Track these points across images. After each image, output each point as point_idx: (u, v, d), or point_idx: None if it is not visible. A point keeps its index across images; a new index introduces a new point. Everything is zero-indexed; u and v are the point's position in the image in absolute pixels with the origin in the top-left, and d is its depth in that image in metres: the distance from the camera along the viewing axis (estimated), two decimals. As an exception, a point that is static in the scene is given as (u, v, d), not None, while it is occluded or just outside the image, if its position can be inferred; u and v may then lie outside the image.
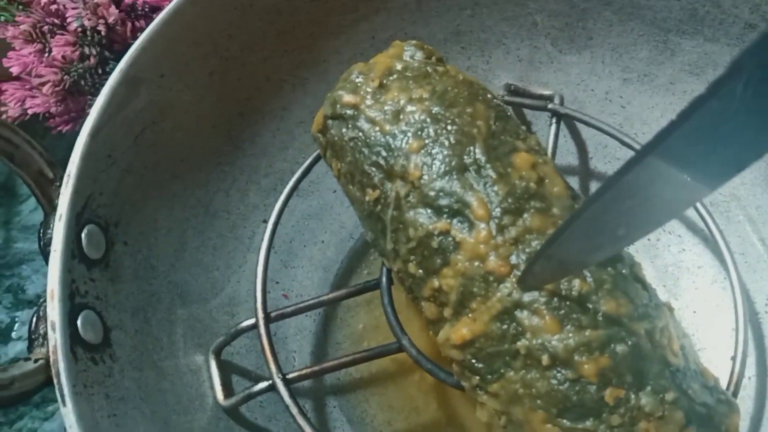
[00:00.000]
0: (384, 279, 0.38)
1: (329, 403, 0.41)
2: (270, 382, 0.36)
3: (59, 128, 0.51)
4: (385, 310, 0.37)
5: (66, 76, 0.52)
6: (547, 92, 0.46)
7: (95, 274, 0.34)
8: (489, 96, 0.36)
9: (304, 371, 0.36)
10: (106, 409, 0.31)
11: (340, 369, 0.38)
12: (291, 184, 0.41)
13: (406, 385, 0.43)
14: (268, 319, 0.37)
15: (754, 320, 0.40)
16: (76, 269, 0.33)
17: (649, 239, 0.45)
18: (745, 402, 0.38)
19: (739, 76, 0.17)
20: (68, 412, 0.29)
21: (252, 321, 0.37)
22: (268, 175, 0.45)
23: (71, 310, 0.32)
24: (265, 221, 0.40)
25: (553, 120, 0.44)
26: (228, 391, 0.38)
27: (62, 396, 0.30)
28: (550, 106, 0.44)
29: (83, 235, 0.34)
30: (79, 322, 0.32)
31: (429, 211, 0.33)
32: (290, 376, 0.36)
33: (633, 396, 0.29)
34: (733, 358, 0.36)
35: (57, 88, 0.52)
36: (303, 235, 0.46)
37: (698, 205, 0.40)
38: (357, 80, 0.36)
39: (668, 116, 0.36)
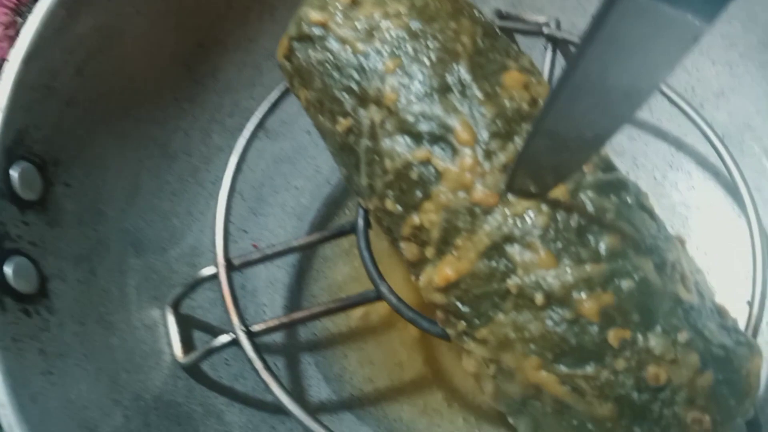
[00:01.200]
0: (360, 221, 0.34)
1: (304, 360, 0.38)
2: (233, 335, 0.32)
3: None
4: (361, 255, 0.33)
5: (18, 18, 0.47)
6: (541, 18, 0.42)
7: (29, 217, 0.30)
8: (475, 12, 0.32)
9: (270, 323, 0.32)
10: (40, 366, 0.28)
11: (312, 320, 0.34)
12: (256, 119, 0.37)
13: (388, 339, 0.39)
14: (231, 267, 0.33)
15: (772, 260, 0.36)
16: (5, 210, 0.29)
17: (654, 177, 0.41)
18: (763, 349, 0.34)
19: None
20: (-8, 368, 0.26)
21: (213, 269, 0.33)
22: (234, 114, 0.40)
23: (-2, 254, 0.28)
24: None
25: (549, 46, 0.40)
26: (188, 347, 0.34)
27: (-16, 350, 0.26)
28: (545, 31, 0.40)
29: (14, 172, 0.30)
30: (7, 269, 0.28)
31: (407, 138, 0.29)
32: (255, 328, 0.32)
33: (640, 337, 0.25)
34: (750, 302, 0.33)
35: (8, 31, 0.48)
36: (274, 180, 0.42)
37: (711, 135, 0.36)
38: (326, -5, 0.31)
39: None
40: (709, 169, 0.40)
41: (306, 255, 0.41)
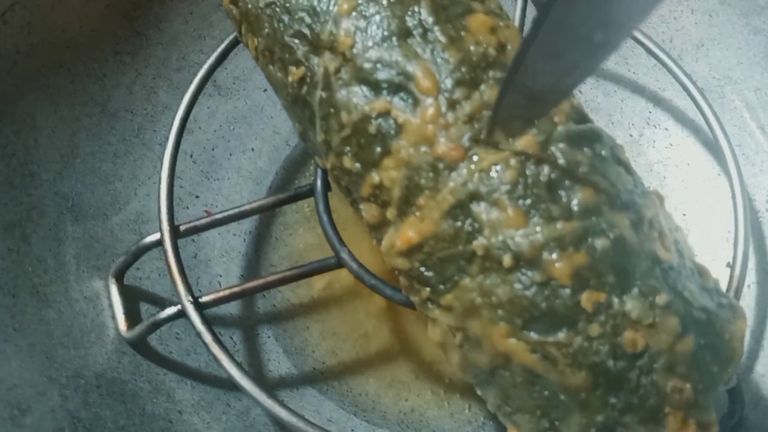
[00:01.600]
0: (319, 182, 0.32)
1: (262, 333, 0.35)
2: (179, 306, 0.29)
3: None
4: (320, 218, 0.31)
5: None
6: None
7: (-52, 179, 0.27)
8: (437, -49, 0.29)
9: (221, 293, 0.30)
10: (-39, 342, 0.25)
11: (268, 289, 0.31)
12: (203, 72, 0.34)
13: (352, 310, 0.37)
14: (176, 233, 0.31)
15: (753, 220, 0.34)
16: None
17: (631, 135, 0.39)
18: (746, 312, 0.32)
19: None
20: None
21: (158, 236, 0.31)
22: (181, 69, 0.37)
23: None
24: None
25: (519, -6, 0.37)
26: (134, 321, 0.31)
27: None
28: (515, -23, 0.37)
29: (-73, 129, 0.27)
30: None
31: (365, 88, 0.26)
32: (204, 299, 0.29)
33: (616, 300, 0.23)
34: (731, 265, 0.31)
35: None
36: (228, 141, 0.39)
37: (691, 87, 0.34)
38: (271, -73, 0.28)
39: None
40: (689, 125, 0.38)
41: (264, 222, 0.38)
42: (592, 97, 0.39)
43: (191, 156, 0.37)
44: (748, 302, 0.33)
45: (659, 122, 0.38)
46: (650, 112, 0.39)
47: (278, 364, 0.34)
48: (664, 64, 0.35)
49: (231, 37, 0.34)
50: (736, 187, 0.32)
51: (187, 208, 0.36)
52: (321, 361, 0.35)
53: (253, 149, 0.39)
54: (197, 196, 0.37)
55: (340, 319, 0.36)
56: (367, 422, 0.33)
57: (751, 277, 0.34)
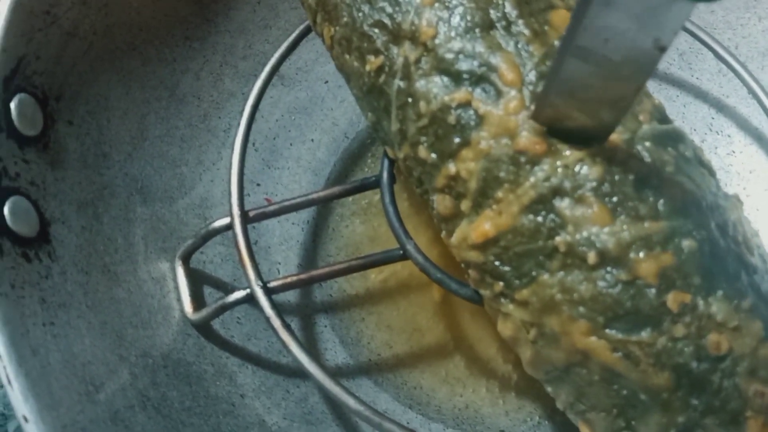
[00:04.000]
0: (385, 174, 0.31)
1: (319, 323, 0.35)
2: (248, 290, 0.29)
3: None
4: (385, 210, 0.31)
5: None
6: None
7: (30, 155, 0.28)
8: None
9: (288, 279, 0.30)
10: (41, 316, 0.25)
11: (333, 278, 0.32)
12: (273, 61, 0.34)
13: (407, 304, 0.37)
14: (246, 219, 0.31)
15: (818, 230, 0.34)
16: (2, 145, 0.26)
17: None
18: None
19: None
20: (-12, 316, 0.23)
21: (227, 220, 0.31)
22: (247, 57, 0.38)
23: (-5, 193, 0.25)
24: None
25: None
26: (198, 304, 0.32)
27: (-20, 296, 0.23)
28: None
29: (13, 104, 0.27)
30: (6, 209, 0.26)
31: (445, 78, 0.26)
32: (272, 284, 0.29)
33: (702, 302, 0.23)
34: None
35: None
36: (289, 131, 0.39)
37: (760, 93, 0.34)
38: None
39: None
40: (752, 133, 0.38)
41: (321, 213, 0.38)
42: (654, 101, 0.39)
43: (253, 144, 0.37)
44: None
45: (722, 129, 0.38)
46: (713, 119, 0.38)
47: (335, 353, 0.35)
48: (732, 69, 0.34)
49: (301, 27, 0.34)
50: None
51: (248, 195, 0.36)
52: (376, 353, 0.35)
53: (312, 140, 0.39)
54: (258, 184, 0.37)
55: (395, 313, 0.36)
56: (423, 416, 0.33)
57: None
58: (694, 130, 0.38)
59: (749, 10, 0.38)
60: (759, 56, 0.38)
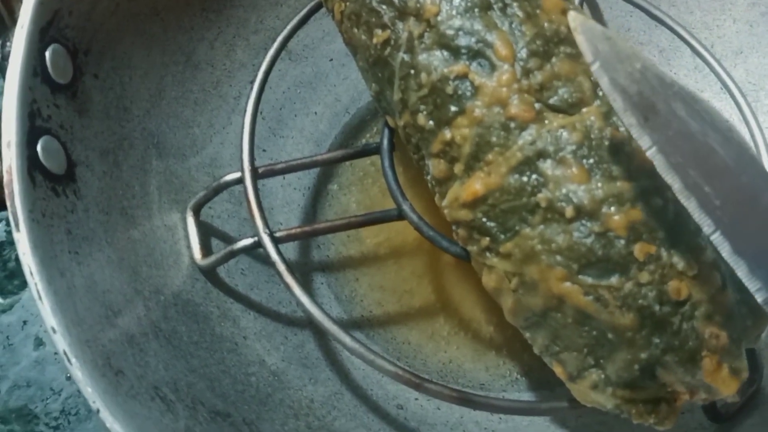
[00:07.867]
0: (386, 141, 0.34)
1: (316, 280, 0.38)
2: (255, 238, 0.32)
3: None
4: (384, 174, 0.34)
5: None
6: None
7: (60, 101, 0.30)
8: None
9: (293, 231, 0.32)
10: (67, 244, 0.27)
11: (334, 232, 0.34)
12: (282, 36, 0.36)
13: (398, 268, 0.39)
14: (255, 174, 0.33)
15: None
16: (38, 88, 0.29)
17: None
18: None
19: None
20: (22, 238, 0.25)
21: (237, 174, 0.33)
22: (258, 31, 0.40)
23: (30, 131, 0.28)
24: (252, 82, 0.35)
25: (577, -9, 0.40)
26: (206, 252, 0.34)
27: (16, 220, 0.26)
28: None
29: (48, 53, 0.29)
30: (39, 147, 0.28)
31: (445, 53, 0.29)
32: (278, 234, 0.32)
33: (665, 253, 0.26)
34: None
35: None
36: (294, 103, 0.42)
37: (733, 88, 0.37)
38: None
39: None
40: (723, 125, 0.41)
41: (321, 179, 0.41)
42: (634, 92, 0.42)
43: (261, 112, 0.39)
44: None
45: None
46: (687, 111, 0.41)
47: (330, 308, 0.37)
48: (708, 65, 0.38)
49: (310, 5, 0.37)
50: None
51: (255, 159, 0.39)
52: (368, 310, 0.38)
53: (315, 113, 0.42)
54: (264, 150, 0.40)
55: (387, 275, 0.39)
56: (410, 368, 0.36)
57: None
58: (670, 120, 0.41)
59: (725, 12, 0.41)
60: (732, 55, 0.41)
